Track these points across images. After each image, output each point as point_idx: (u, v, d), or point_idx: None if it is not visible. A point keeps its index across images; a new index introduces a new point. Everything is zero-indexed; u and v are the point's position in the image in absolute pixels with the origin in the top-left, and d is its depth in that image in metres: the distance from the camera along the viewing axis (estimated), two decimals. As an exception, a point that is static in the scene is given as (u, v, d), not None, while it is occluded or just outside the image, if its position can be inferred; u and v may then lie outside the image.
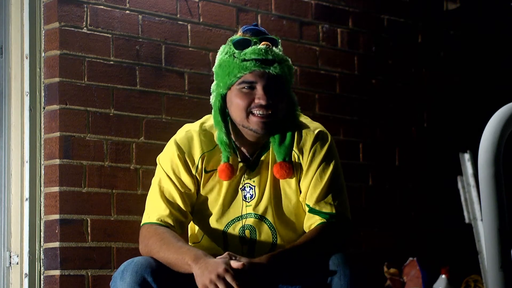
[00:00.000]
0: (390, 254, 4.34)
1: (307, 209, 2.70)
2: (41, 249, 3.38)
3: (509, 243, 2.26)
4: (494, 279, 2.24)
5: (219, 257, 2.51)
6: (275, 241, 2.71)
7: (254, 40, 2.67)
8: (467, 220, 4.62)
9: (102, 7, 3.52)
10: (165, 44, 3.70)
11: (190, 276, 2.50)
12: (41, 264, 3.37)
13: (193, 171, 2.71)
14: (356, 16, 4.42)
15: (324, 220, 2.67)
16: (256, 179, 2.71)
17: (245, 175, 2.72)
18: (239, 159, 2.72)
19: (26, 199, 3.39)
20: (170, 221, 2.67)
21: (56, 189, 3.35)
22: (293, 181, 2.72)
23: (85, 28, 3.48)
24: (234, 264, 2.46)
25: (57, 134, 3.37)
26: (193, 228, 2.81)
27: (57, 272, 3.32)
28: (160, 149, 2.81)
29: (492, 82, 4.95)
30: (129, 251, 3.44)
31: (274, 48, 2.68)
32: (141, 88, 3.61)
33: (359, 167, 4.35)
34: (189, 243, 2.79)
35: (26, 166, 3.40)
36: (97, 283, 3.39)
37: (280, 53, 2.70)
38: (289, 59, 2.75)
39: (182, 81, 3.74)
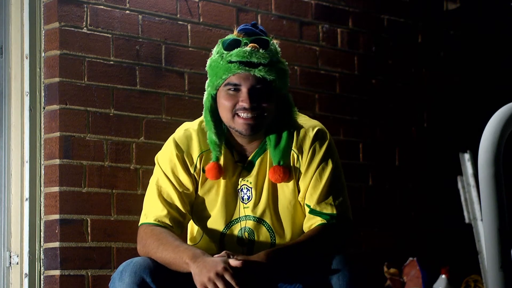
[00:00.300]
0: (390, 254, 4.34)
1: (307, 210, 2.68)
2: (41, 249, 3.38)
3: (509, 243, 2.26)
4: (494, 279, 2.24)
5: (217, 255, 2.50)
6: (273, 242, 2.69)
7: (245, 41, 2.63)
8: (467, 220, 4.62)
9: (102, 7, 3.52)
10: (165, 44, 3.70)
11: (189, 276, 2.49)
12: (41, 264, 3.37)
13: (192, 170, 2.69)
14: (356, 16, 4.42)
15: (324, 221, 2.65)
16: (252, 180, 2.69)
17: (242, 176, 2.70)
18: (236, 160, 2.71)
19: (26, 199, 3.38)
20: (167, 222, 2.65)
21: (56, 189, 3.35)
22: (290, 181, 2.70)
23: (85, 28, 3.47)
24: (233, 262, 2.45)
25: (57, 134, 3.37)
26: (192, 229, 2.80)
27: (57, 272, 3.32)
28: (160, 149, 2.80)
29: (492, 82, 4.95)
30: (129, 251, 3.44)
31: (262, 50, 2.62)
32: (141, 88, 3.61)
33: (359, 167, 4.35)
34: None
35: (26, 166, 3.40)
36: (97, 283, 3.39)
37: (271, 54, 2.64)
38: (284, 61, 2.70)
39: (182, 81, 3.74)
